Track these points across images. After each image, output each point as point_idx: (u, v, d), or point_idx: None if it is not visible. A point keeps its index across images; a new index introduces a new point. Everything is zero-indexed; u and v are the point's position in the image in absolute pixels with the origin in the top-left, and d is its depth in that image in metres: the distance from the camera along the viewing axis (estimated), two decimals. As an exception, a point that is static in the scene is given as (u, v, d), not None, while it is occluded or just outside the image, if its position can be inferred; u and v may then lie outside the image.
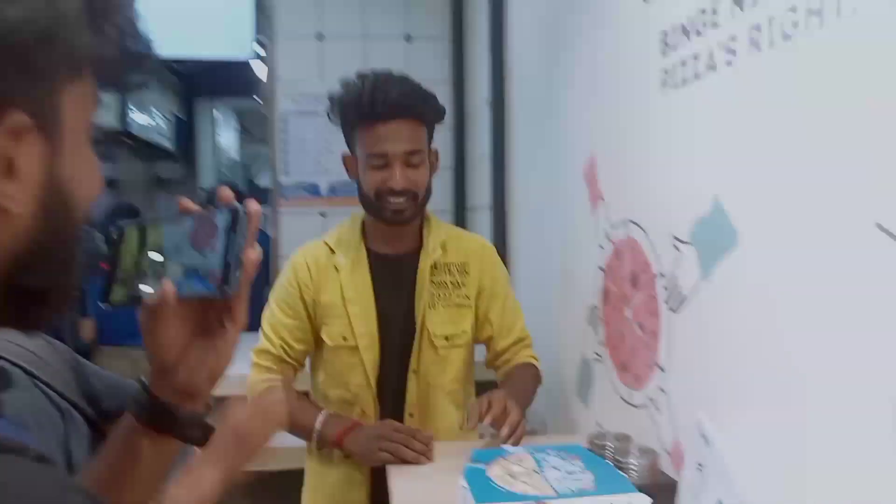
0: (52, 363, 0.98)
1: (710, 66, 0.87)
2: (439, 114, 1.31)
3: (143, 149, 5.22)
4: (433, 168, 1.32)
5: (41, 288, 0.46)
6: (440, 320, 1.32)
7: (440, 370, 1.32)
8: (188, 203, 0.57)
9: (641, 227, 1.10)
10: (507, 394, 1.16)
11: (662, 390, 1.04)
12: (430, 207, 1.35)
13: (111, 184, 5.09)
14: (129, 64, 0.48)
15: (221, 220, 0.53)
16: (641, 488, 0.90)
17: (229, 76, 5.11)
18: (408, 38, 2.65)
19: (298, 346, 1.34)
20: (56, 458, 0.85)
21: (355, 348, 1.29)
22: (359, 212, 1.34)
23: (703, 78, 0.89)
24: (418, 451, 1.16)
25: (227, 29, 2.89)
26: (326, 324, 1.31)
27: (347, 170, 1.33)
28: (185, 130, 5.93)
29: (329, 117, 1.32)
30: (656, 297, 1.05)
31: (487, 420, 1.12)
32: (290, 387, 1.33)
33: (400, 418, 1.28)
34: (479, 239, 1.44)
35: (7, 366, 0.91)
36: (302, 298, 1.33)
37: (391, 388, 1.31)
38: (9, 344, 0.95)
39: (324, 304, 1.31)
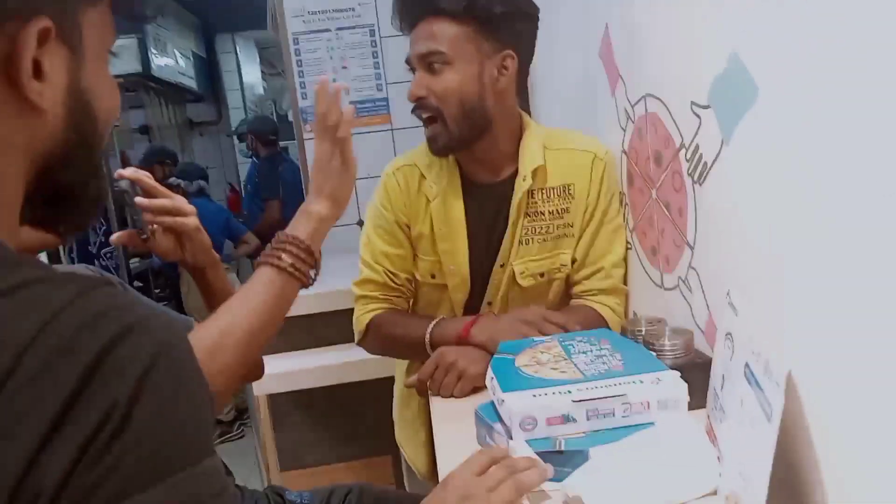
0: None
1: None
2: (478, 3, 1.06)
3: (170, 92, 5.22)
4: (496, 76, 1.10)
5: (72, 185, 0.52)
6: (534, 257, 1.19)
7: (529, 304, 1.21)
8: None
9: (660, 100, 1.03)
10: (465, 354, 1.08)
11: (693, 268, 1.01)
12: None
13: (144, 130, 5.17)
14: None
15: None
16: (676, 368, 0.88)
17: (244, 7, 5.01)
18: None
19: (403, 275, 1.23)
20: None
21: (444, 286, 1.22)
22: None
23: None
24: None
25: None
26: (418, 256, 1.23)
27: None
28: (209, 69, 5.90)
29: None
30: (681, 171, 0.99)
31: (427, 387, 1.09)
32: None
33: None
34: (588, 151, 1.19)
35: None
36: (398, 224, 1.21)
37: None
38: None
39: (415, 236, 1.21)
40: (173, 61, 5.02)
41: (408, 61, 1.13)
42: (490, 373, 0.92)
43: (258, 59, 6.35)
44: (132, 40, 4.37)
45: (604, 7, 1.24)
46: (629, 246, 1.25)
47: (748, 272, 0.82)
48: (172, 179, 3.75)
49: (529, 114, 1.89)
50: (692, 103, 0.92)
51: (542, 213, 1.18)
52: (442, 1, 1.06)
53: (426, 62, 1.09)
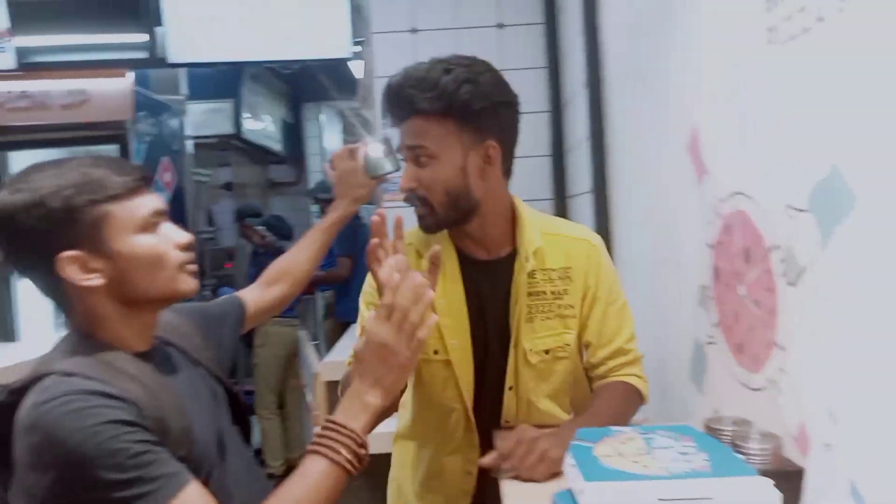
0: (187, 331, 1.07)
1: (818, 17, 0.80)
2: (456, 103, 1.10)
3: (256, 153, 5.52)
4: (481, 165, 1.15)
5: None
6: (539, 335, 1.21)
7: (538, 385, 1.24)
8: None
9: (751, 198, 1.04)
10: (547, 435, 1.07)
11: (783, 371, 0.98)
12: (530, 196, 1.29)
13: (229, 186, 5.45)
14: None
15: None
16: (764, 475, 0.85)
17: (332, 79, 5.31)
18: (500, 26, 2.64)
19: None
20: (211, 446, 0.92)
21: (448, 362, 1.21)
22: None
23: (812, 31, 0.82)
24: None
25: (326, 31, 3.00)
26: None
27: None
28: (294, 134, 6.22)
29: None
30: (771, 270, 0.99)
31: (506, 465, 1.06)
32: None
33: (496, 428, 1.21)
34: (583, 238, 1.27)
35: (164, 347, 1.00)
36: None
37: (488, 402, 1.24)
38: (165, 322, 1.03)
39: None
40: (262, 125, 5.33)
41: (398, 150, 1.20)
42: (570, 459, 0.91)
43: (341, 127, 6.67)
44: (228, 104, 4.68)
45: (692, 104, 1.27)
46: (712, 340, 1.23)
47: (849, 382, 0.80)
48: (261, 228, 3.92)
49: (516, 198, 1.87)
50: (787, 206, 0.92)
51: (545, 293, 1.22)
52: (422, 103, 1.11)
53: (413, 154, 1.15)
